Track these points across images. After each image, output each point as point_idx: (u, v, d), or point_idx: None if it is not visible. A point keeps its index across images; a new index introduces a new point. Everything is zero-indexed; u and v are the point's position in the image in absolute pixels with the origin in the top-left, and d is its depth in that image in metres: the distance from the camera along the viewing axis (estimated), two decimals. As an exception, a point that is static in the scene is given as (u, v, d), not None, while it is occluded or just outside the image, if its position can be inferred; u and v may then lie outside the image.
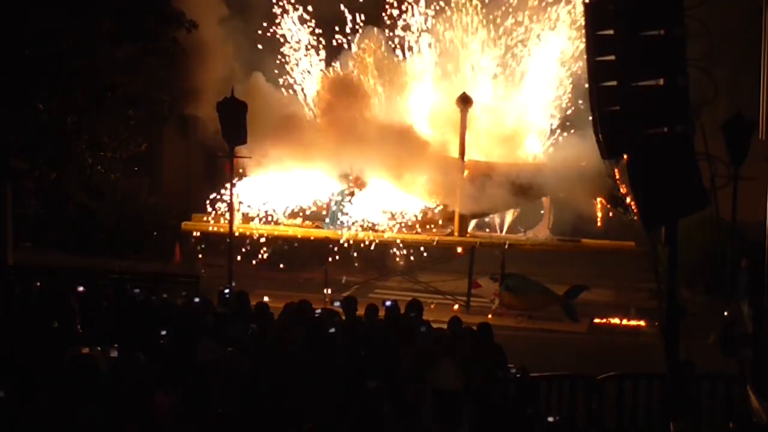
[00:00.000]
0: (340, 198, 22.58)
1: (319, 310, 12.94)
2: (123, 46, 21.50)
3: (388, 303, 12.90)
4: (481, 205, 21.82)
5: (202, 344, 11.05)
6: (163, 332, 11.52)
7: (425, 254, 23.19)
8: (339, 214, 22.40)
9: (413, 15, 24.27)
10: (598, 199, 21.61)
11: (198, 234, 22.91)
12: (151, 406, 9.15)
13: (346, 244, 22.17)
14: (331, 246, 22.30)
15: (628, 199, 18.29)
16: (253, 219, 22.88)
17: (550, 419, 10.91)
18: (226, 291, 15.43)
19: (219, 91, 18.89)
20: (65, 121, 21.51)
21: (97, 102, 21.54)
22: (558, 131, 23.93)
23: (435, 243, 22.26)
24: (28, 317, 12.28)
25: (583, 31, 11.74)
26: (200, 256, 23.11)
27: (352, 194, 22.57)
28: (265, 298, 14.48)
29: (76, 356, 10.51)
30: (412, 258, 22.77)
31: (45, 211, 25.08)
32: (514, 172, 22.08)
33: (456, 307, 20.61)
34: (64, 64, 20.58)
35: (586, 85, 10.71)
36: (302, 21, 24.34)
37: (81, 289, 14.82)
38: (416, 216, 22.44)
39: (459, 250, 22.68)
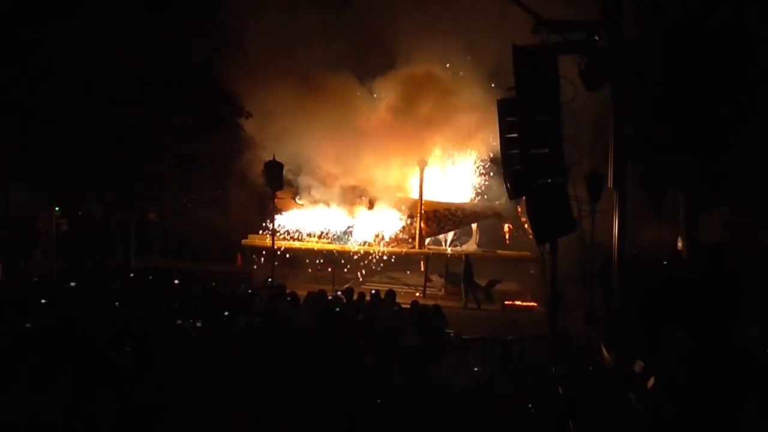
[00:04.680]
0: (345, 228, 22.41)
1: (330, 297, 12.82)
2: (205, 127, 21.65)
3: (373, 291, 12.79)
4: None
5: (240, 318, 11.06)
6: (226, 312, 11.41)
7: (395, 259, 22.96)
8: (345, 236, 22.28)
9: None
10: (507, 225, 21.64)
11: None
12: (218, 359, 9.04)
13: (350, 254, 22.08)
14: (337, 255, 22.17)
15: (526, 225, 18.46)
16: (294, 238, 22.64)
17: (476, 369, 10.49)
18: (269, 280, 15.25)
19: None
20: (169, 176, 21.61)
21: (188, 165, 21.69)
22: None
23: (403, 253, 22.14)
24: (143, 301, 12.18)
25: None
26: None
27: (350, 228, 22.40)
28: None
29: (174, 326, 10.45)
30: (391, 262, 22.57)
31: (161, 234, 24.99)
32: (454, 208, 22.09)
33: (417, 294, 20.40)
34: (167, 142, 20.80)
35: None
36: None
37: (176, 282, 14.72)
38: (392, 235, 22.30)
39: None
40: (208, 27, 21.12)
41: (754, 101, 12.03)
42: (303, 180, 22.73)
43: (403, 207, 22.23)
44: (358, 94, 22.75)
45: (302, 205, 22.71)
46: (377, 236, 22.08)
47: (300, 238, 22.46)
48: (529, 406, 10.70)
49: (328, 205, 22.60)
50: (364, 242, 22.04)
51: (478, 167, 23.27)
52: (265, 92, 21.87)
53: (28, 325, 9.97)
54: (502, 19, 15.39)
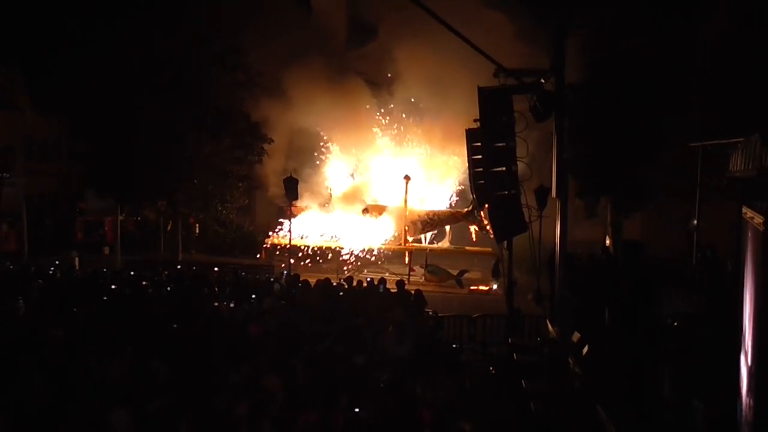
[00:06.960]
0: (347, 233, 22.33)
1: (334, 283, 12.74)
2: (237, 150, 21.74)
3: (368, 279, 12.73)
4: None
5: (264, 300, 10.90)
6: (253, 296, 11.32)
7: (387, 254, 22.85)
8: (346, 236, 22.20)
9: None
10: (473, 227, 21.62)
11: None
12: (248, 334, 9.00)
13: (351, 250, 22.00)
14: (339, 251, 22.08)
15: (488, 227, 18.46)
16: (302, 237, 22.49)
17: (454, 346, 10.06)
18: (285, 272, 15.13)
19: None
20: (209, 190, 21.69)
21: (222, 179, 21.79)
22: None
23: (392, 249, 22.07)
24: (187, 287, 12.10)
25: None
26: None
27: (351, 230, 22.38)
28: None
29: (212, 307, 10.38)
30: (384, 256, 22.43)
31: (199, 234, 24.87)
32: (431, 214, 22.12)
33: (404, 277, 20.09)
34: (207, 162, 20.90)
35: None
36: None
37: (216, 269, 14.63)
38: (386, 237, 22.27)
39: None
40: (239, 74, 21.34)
41: (663, 136, 12.33)
42: (313, 191, 22.78)
43: (392, 214, 22.24)
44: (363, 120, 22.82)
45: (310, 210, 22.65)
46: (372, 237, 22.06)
47: (310, 237, 22.41)
48: (491, 369, 10.72)
49: (333, 211, 22.59)
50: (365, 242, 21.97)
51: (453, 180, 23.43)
52: (284, 122, 22.00)
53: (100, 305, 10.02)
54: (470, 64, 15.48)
